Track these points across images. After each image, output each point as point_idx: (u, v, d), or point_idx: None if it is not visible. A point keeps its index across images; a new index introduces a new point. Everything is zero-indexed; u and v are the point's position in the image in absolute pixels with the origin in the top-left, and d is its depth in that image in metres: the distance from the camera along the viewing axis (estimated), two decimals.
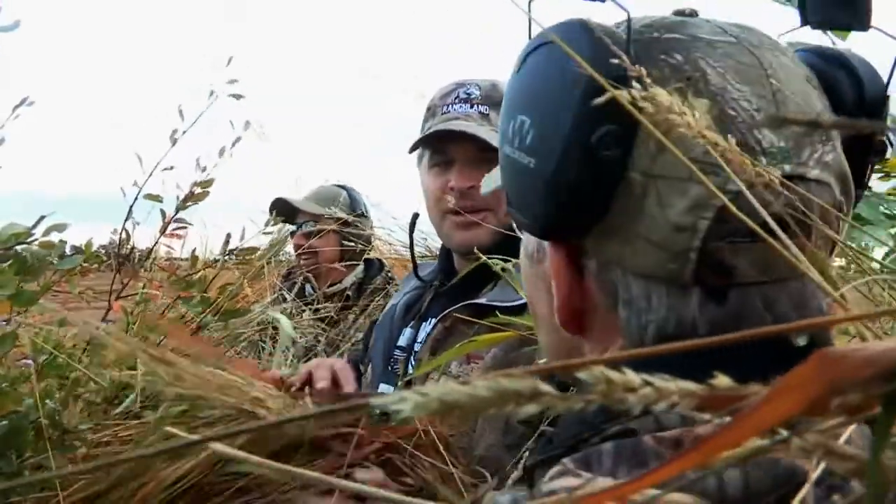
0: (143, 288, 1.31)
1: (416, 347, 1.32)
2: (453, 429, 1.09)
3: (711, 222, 0.44)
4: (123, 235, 1.71)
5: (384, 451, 1.04)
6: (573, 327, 0.51)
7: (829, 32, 0.69)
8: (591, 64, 0.42)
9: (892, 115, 1.17)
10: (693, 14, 0.51)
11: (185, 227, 1.82)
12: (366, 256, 2.26)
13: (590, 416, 0.43)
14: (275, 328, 1.79)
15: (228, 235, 1.94)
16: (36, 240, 0.85)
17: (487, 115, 1.33)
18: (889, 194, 1.29)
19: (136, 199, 1.72)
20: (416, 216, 1.54)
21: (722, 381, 0.24)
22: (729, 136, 0.47)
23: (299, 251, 2.26)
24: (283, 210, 2.24)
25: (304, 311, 2.01)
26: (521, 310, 1.05)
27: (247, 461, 0.29)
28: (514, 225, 0.57)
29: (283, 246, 2.20)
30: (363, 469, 0.99)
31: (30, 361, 1.03)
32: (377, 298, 2.07)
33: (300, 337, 1.78)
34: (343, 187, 2.37)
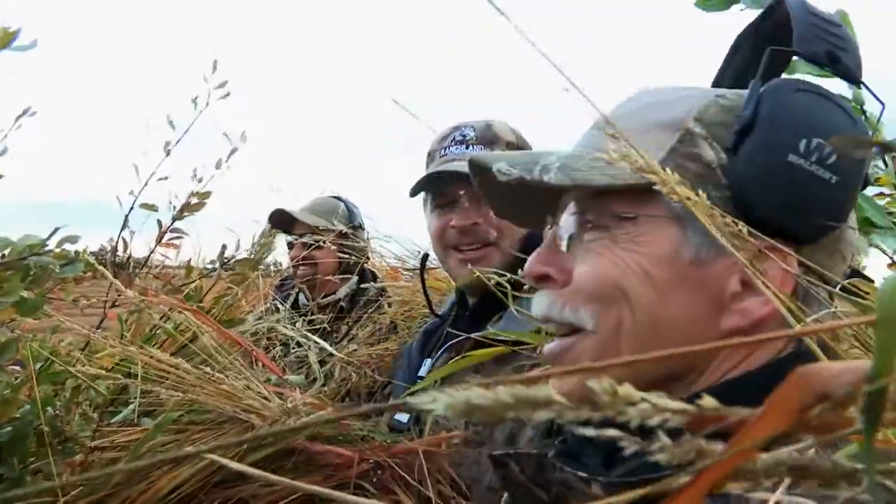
0: (139, 297, 1.32)
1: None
2: (459, 455, 1.11)
3: None
4: (120, 244, 1.72)
5: (374, 470, 1.05)
6: (764, 329, 0.59)
7: None
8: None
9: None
10: None
11: (181, 237, 1.83)
12: (359, 268, 2.27)
13: None
14: (268, 338, 1.80)
15: (224, 247, 1.96)
16: (51, 251, 0.87)
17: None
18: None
19: (131, 208, 1.73)
20: (426, 256, 1.60)
21: (708, 401, 0.26)
22: (700, 192, 0.56)
23: (297, 262, 2.26)
24: (280, 221, 2.25)
25: (297, 321, 2.02)
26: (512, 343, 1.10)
27: (248, 473, 0.32)
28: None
29: (270, 253, 2.21)
30: None
31: (17, 368, 1.04)
32: (370, 310, 2.08)
33: (293, 348, 1.79)
34: (340, 199, 2.39)
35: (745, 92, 0.62)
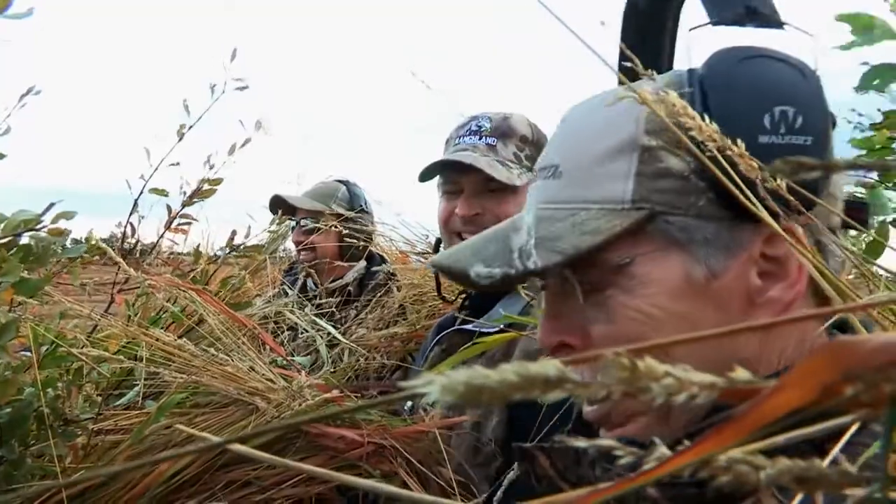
0: (144, 276, 1.31)
1: None
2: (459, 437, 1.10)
3: None
4: (128, 229, 1.71)
5: (377, 453, 1.05)
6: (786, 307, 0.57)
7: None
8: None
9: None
10: None
11: (190, 223, 1.82)
12: (368, 252, 2.25)
13: None
14: (276, 322, 1.79)
15: (234, 232, 1.95)
16: (45, 227, 0.85)
17: (494, 146, 1.42)
18: None
19: (141, 192, 1.72)
20: (439, 241, 1.62)
21: (740, 373, 0.24)
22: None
23: (299, 247, 2.25)
24: (281, 206, 2.23)
25: (305, 306, 2.01)
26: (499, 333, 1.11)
27: (259, 458, 0.29)
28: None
29: (284, 241, 2.20)
30: None
31: (28, 353, 1.03)
32: (378, 294, 2.06)
33: (301, 332, 1.78)
34: (344, 182, 2.36)
35: (675, 75, 0.60)
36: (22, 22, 0.77)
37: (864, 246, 0.94)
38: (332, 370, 1.61)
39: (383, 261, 2.30)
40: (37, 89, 1.09)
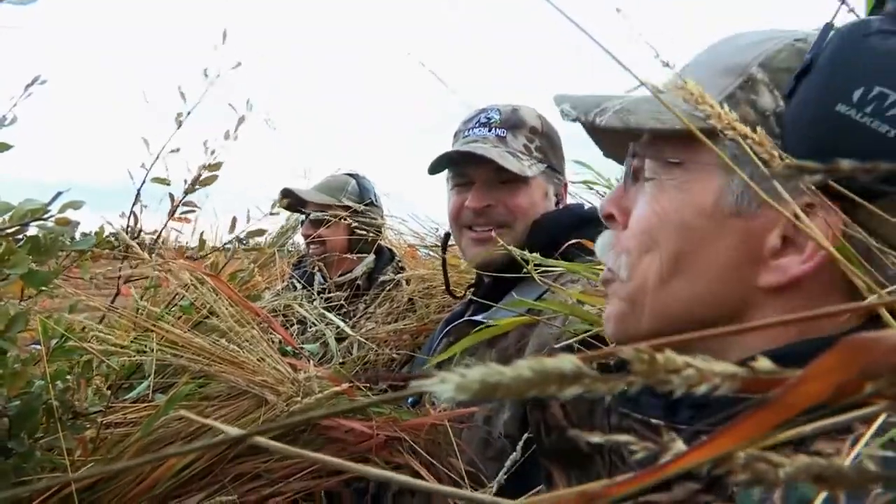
0: (157, 261, 1.31)
1: None
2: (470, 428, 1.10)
3: None
4: (132, 219, 1.71)
5: (387, 445, 1.04)
6: (801, 290, 0.56)
7: None
8: None
9: None
10: None
11: (194, 211, 1.82)
12: (377, 246, 2.25)
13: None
14: (285, 315, 1.79)
15: (234, 219, 1.94)
16: (52, 216, 0.85)
17: (504, 137, 1.41)
18: None
19: (143, 182, 1.71)
20: (447, 235, 1.61)
21: (763, 364, 0.23)
22: (758, 127, 0.49)
23: (308, 240, 2.25)
24: (291, 200, 2.22)
25: (314, 299, 2.01)
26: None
27: (276, 449, 0.29)
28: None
29: (293, 234, 2.19)
30: None
31: (38, 346, 1.03)
32: (387, 288, 2.06)
33: (310, 326, 1.77)
34: (353, 175, 2.35)
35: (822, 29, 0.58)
36: (27, 8, 0.76)
37: None
38: (341, 362, 1.61)
39: (392, 254, 2.29)
40: (42, 79, 1.08)
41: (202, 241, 1.62)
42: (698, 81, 0.51)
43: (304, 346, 1.33)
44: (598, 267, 0.72)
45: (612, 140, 0.71)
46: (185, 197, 1.60)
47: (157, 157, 1.52)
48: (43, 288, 1.00)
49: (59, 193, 0.85)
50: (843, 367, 0.23)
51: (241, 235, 1.74)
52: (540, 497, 0.26)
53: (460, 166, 1.44)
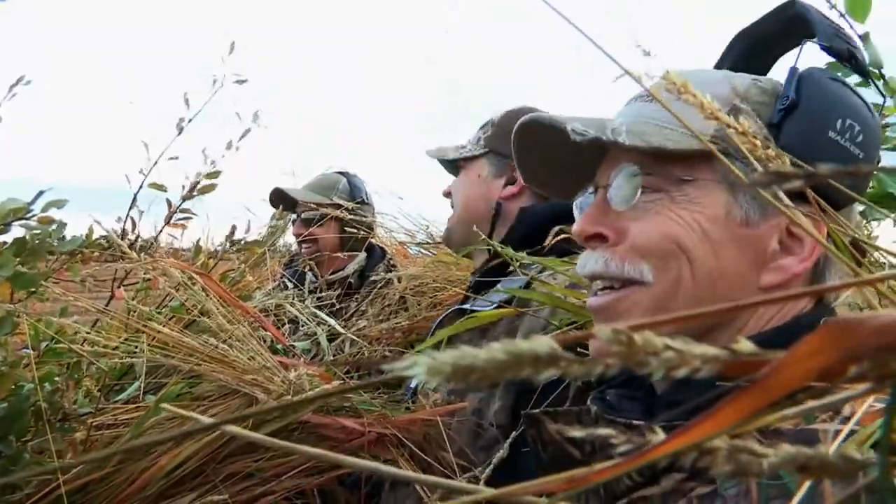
0: (148, 260, 1.30)
1: None
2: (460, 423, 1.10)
3: None
4: (128, 224, 1.70)
5: (378, 442, 1.04)
6: (795, 286, 0.66)
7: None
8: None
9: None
10: None
11: (190, 218, 1.81)
12: (368, 244, 2.24)
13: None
14: (276, 315, 1.78)
15: (234, 227, 1.93)
16: (34, 215, 0.84)
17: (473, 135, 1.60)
18: None
19: (140, 187, 1.70)
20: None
21: (744, 346, 0.23)
22: (741, 117, 0.51)
23: (299, 239, 2.23)
24: (281, 200, 2.22)
25: (305, 298, 2.00)
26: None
27: (257, 441, 0.29)
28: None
29: (283, 234, 2.18)
30: None
31: (29, 350, 1.02)
32: (379, 286, 2.05)
33: (302, 325, 1.77)
34: (344, 174, 2.34)
35: (773, 78, 0.71)
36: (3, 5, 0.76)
37: None
38: (332, 359, 1.60)
39: (384, 252, 2.29)
40: (27, 79, 1.07)
41: (198, 248, 1.61)
42: (689, 114, 0.55)
43: (294, 343, 1.32)
44: (577, 261, 0.73)
45: (565, 167, 0.77)
46: (181, 203, 1.59)
47: (156, 163, 1.51)
48: (32, 290, 0.99)
49: (41, 192, 0.84)
50: (827, 348, 0.23)
51: (241, 245, 1.74)
52: (527, 483, 0.26)
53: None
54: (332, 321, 1.72)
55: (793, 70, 0.69)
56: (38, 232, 0.85)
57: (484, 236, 1.20)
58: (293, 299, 1.87)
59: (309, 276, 2.21)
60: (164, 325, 1.21)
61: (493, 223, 1.50)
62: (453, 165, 1.62)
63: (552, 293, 1.02)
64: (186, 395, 1.09)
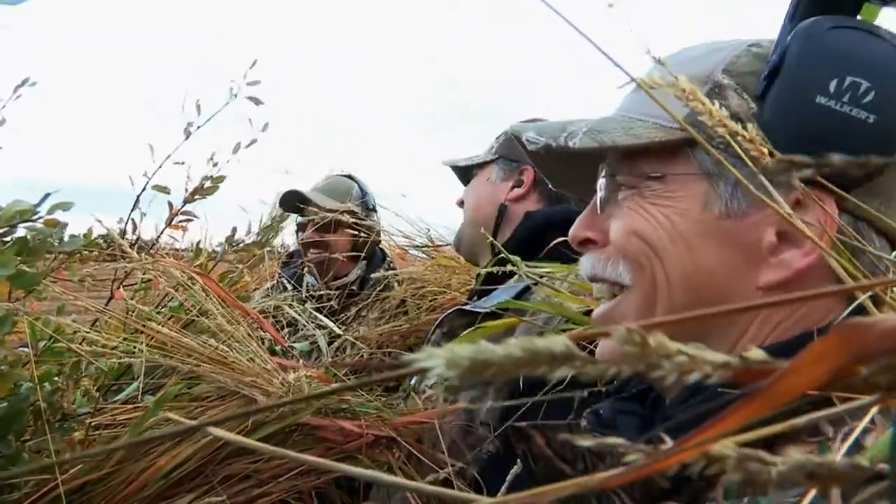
0: (146, 259, 1.30)
1: None
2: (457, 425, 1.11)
3: None
4: (129, 225, 1.70)
5: (377, 443, 1.04)
6: (803, 284, 0.56)
7: None
8: None
9: None
10: None
11: (191, 220, 1.81)
12: (368, 248, 2.23)
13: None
14: (274, 315, 1.78)
15: (234, 229, 1.93)
16: (41, 218, 0.84)
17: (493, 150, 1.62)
18: None
19: (143, 189, 1.70)
20: None
21: (755, 353, 0.23)
22: (749, 125, 0.49)
23: (305, 241, 2.21)
24: (293, 202, 2.20)
25: (305, 302, 1.99)
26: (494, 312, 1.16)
27: (245, 445, 0.29)
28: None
29: (278, 234, 2.17)
30: None
31: (27, 349, 1.02)
32: (378, 288, 2.05)
33: (301, 327, 1.76)
34: (352, 178, 2.33)
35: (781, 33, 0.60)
36: (17, 9, 0.76)
37: None
38: (332, 361, 1.60)
39: (384, 256, 2.28)
40: (32, 81, 1.07)
41: (198, 250, 1.61)
42: (666, 95, 0.53)
43: (293, 345, 1.32)
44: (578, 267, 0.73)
45: (571, 168, 0.72)
46: (183, 206, 1.59)
47: (160, 166, 1.51)
48: (31, 289, 0.99)
49: (48, 195, 0.84)
50: (836, 352, 0.23)
51: (242, 245, 1.74)
52: (520, 494, 0.25)
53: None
54: (331, 324, 1.72)
55: (785, 25, 0.60)
56: (40, 233, 0.85)
57: (490, 238, 1.20)
58: (292, 302, 1.87)
59: (308, 278, 2.20)
60: (163, 326, 1.21)
61: (497, 225, 1.51)
62: (466, 175, 1.66)
63: (550, 299, 1.02)
64: (185, 396, 1.09)
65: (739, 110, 0.57)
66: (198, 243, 1.86)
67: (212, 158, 1.77)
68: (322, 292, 2.11)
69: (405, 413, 1.09)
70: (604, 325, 0.66)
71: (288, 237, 2.45)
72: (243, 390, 1.03)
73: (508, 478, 0.95)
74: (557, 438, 0.62)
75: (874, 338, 0.23)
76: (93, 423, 0.99)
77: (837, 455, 0.40)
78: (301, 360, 1.17)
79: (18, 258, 0.88)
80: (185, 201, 1.75)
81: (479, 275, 1.52)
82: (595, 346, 0.71)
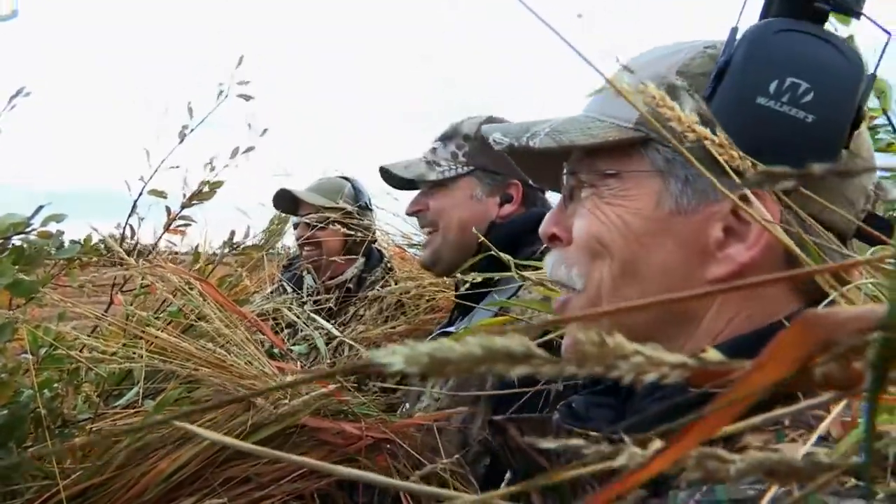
0: (145, 265, 1.31)
1: None
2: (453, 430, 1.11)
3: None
4: (128, 230, 1.70)
5: (375, 447, 1.05)
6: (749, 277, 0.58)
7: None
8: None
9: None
10: None
11: (189, 224, 1.82)
12: (366, 248, 2.24)
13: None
14: (274, 319, 1.79)
15: (233, 232, 1.94)
16: (34, 230, 0.85)
17: (435, 148, 1.54)
18: None
19: (140, 193, 1.71)
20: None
21: (712, 354, 0.23)
22: (718, 130, 0.51)
23: (301, 241, 2.23)
24: (285, 201, 2.22)
25: (304, 302, 2.00)
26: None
27: (251, 451, 0.29)
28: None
29: (281, 237, 2.19)
30: None
31: (28, 356, 1.03)
32: (376, 289, 2.06)
33: (300, 329, 1.77)
34: (347, 179, 2.35)
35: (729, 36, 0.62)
36: (6, 24, 0.77)
37: None
38: (330, 364, 1.61)
39: (381, 255, 2.30)
40: (26, 91, 1.08)
41: (197, 254, 1.62)
42: (613, 99, 0.54)
43: (291, 347, 1.33)
44: None
45: (543, 164, 0.74)
46: (181, 210, 1.60)
47: (156, 170, 1.51)
48: (31, 297, 1.00)
49: (41, 207, 0.85)
50: (799, 343, 0.24)
51: (240, 248, 1.75)
52: (503, 490, 0.26)
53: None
54: (329, 325, 1.72)
55: (733, 28, 0.61)
56: (34, 244, 0.85)
57: (497, 251, 1.16)
58: (291, 304, 1.88)
59: (308, 279, 2.21)
60: (162, 331, 1.22)
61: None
62: (412, 184, 1.55)
63: (535, 297, 1.03)
64: (184, 400, 1.10)
65: (691, 110, 0.58)
66: (196, 247, 1.88)
67: (210, 163, 1.77)
68: (320, 295, 2.12)
69: (405, 416, 1.10)
70: (562, 317, 0.69)
71: (289, 240, 2.47)
72: (243, 392, 1.04)
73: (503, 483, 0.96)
74: (527, 431, 0.64)
75: (835, 325, 0.24)
76: (93, 429, 1.00)
77: (797, 445, 0.41)
78: (299, 364, 1.18)
79: (16, 267, 0.89)
80: (183, 206, 1.75)
81: (456, 285, 1.47)
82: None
